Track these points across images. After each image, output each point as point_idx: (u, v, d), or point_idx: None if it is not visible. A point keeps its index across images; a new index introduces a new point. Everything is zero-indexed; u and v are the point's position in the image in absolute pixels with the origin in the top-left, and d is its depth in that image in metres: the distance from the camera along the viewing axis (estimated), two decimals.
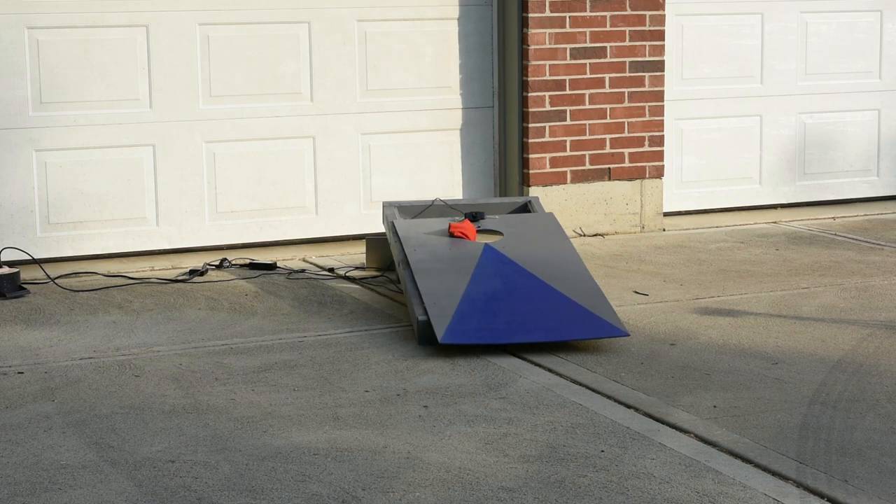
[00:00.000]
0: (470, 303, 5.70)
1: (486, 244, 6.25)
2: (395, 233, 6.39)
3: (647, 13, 8.07)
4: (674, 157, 8.59)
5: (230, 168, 7.54)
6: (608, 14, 7.97)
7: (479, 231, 6.47)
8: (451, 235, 6.34)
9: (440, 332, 5.49)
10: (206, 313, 6.23)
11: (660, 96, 8.17)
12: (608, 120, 8.05)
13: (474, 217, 6.58)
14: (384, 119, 7.82)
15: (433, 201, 6.91)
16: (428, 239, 6.30)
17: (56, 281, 6.77)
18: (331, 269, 7.10)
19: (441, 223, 6.49)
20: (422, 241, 6.27)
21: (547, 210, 7.25)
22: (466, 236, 6.33)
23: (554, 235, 6.43)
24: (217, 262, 7.17)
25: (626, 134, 8.10)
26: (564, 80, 7.91)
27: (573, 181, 8.01)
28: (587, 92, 7.98)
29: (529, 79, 7.82)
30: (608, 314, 5.65)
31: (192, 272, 6.97)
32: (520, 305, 5.73)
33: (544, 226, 6.54)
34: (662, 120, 8.22)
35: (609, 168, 8.10)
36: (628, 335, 5.59)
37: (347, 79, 7.72)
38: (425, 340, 5.63)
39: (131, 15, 7.28)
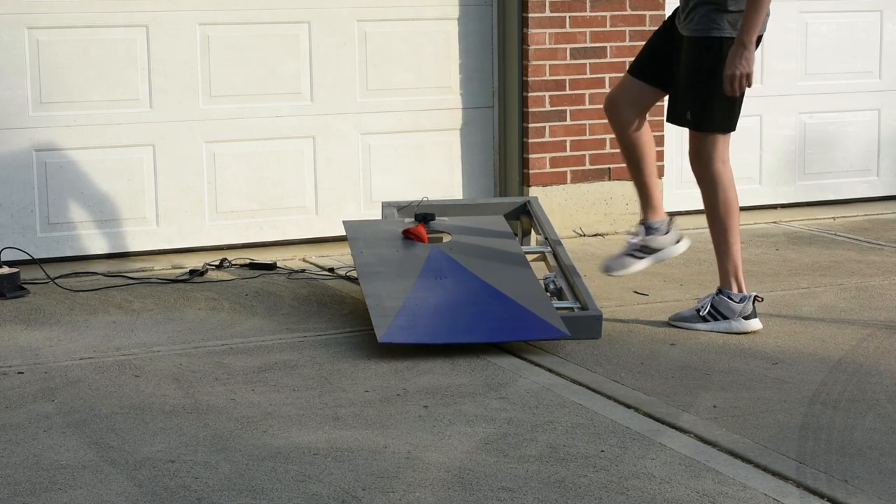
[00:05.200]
0: (412, 304, 5.73)
1: (434, 246, 6.29)
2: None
3: (647, 13, 8.06)
4: (674, 157, 8.58)
5: (230, 168, 7.54)
6: (608, 14, 7.97)
7: (431, 233, 6.49)
8: (405, 238, 6.37)
9: (380, 333, 5.53)
10: (206, 313, 6.23)
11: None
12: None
13: (425, 219, 6.57)
14: (384, 119, 7.82)
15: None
16: (377, 242, 6.34)
17: (56, 281, 6.77)
18: (331, 269, 7.10)
19: (396, 225, 6.52)
20: (370, 244, 6.31)
21: (547, 210, 7.25)
22: (418, 239, 6.36)
23: (502, 237, 6.48)
24: (217, 262, 7.17)
25: None
26: (564, 80, 7.91)
27: (573, 181, 8.01)
28: (587, 92, 7.98)
29: (529, 79, 7.82)
30: (550, 315, 5.65)
31: (192, 272, 6.97)
32: (462, 307, 5.77)
33: (494, 228, 6.59)
34: (662, 120, 8.21)
35: (609, 168, 8.09)
36: (569, 336, 5.55)
37: (347, 79, 7.72)
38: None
39: (131, 15, 7.28)
